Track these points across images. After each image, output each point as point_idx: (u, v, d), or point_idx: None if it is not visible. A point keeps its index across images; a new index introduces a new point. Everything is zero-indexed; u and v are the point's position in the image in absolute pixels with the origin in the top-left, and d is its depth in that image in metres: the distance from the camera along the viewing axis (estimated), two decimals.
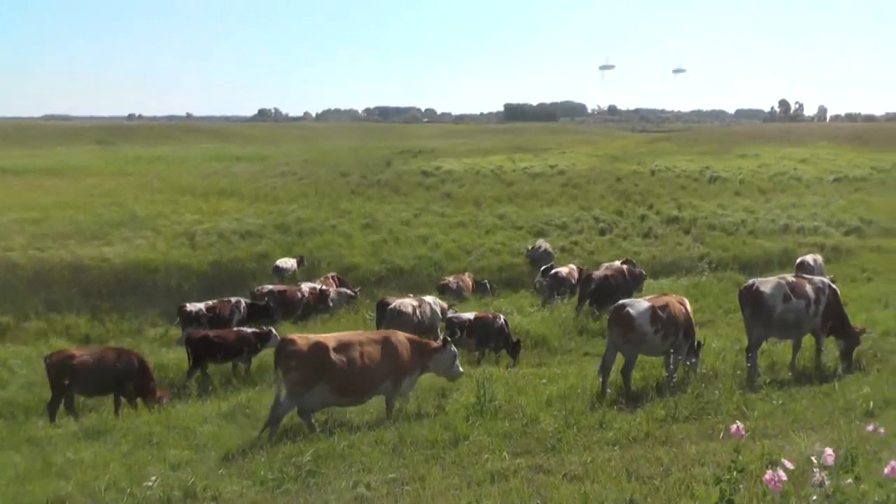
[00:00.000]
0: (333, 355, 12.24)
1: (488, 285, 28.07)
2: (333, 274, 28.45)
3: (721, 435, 9.83)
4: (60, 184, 49.39)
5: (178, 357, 20.28)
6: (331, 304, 25.05)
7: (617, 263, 26.16)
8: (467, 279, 27.17)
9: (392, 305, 19.81)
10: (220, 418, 13.85)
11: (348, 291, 26.57)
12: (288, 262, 30.23)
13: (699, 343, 15.15)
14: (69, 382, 16.07)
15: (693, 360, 14.70)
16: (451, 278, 26.59)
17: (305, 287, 25.59)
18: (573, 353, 20.42)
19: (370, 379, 12.54)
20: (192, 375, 18.78)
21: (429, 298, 20.85)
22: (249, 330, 19.83)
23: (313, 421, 12.34)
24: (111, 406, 16.48)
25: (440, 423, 11.77)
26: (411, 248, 33.20)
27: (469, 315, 19.87)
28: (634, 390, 13.63)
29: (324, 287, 25.84)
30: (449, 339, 13.95)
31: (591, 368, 15.55)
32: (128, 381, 16.39)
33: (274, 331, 19.73)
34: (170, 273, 30.26)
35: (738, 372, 14.08)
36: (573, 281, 25.83)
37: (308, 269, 30.35)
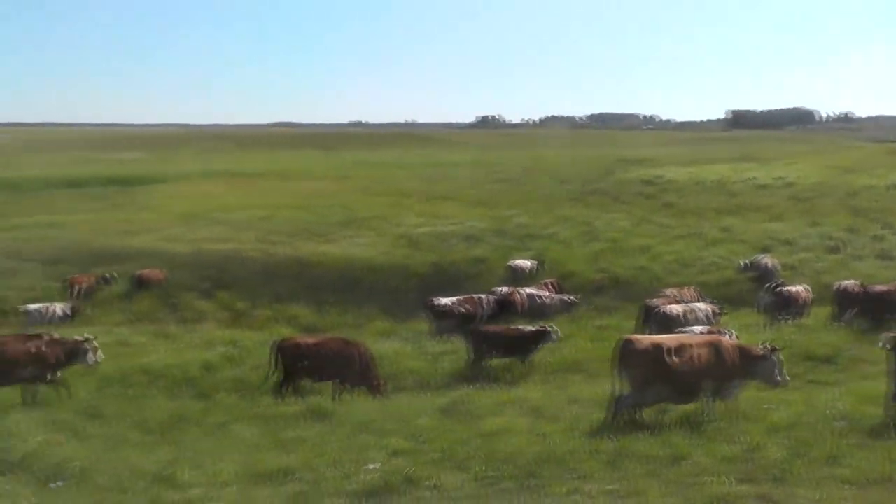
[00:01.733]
0: (672, 356, 12.68)
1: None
2: (552, 280, 28.21)
3: None
4: (286, 186, 52.66)
5: (395, 349, 21.03)
6: (519, 310, 24.96)
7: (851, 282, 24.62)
8: (690, 293, 25.95)
9: (659, 308, 20.48)
10: (439, 412, 14.11)
11: (566, 298, 26.28)
12: (526, 263, 30.53)
13: None
14: (298, 366, 17.07)
15: None
16: (672, 291, 25.63)
17: (525, 291, 25.72)
18: (799, 378, 19.01)
19: (701, 381, 12.84)
20: (476, 367, 19.27)
21: (699, 305, 21.54)
22: (530, 328, 20.31)
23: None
24: (332, 390, 17.16)
25: (659, 439, 11.46)
26: (631, 258, 32.53)
27: (699, 329, 19.33)
28: (872, 425, 12.53)
29: (536, 292, 25.85)
30: (776, 347, 13.78)
31: (820, 396, 14.63)
32: (351, 368, 17.14)
33: (554, 328, 20.19)
34: (390, 272, 31.21)
35: None
36: (801, 301, 24.35)
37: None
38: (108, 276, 29.42)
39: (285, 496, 9.77)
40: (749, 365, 13.33)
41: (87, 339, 17.26)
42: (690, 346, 13.04)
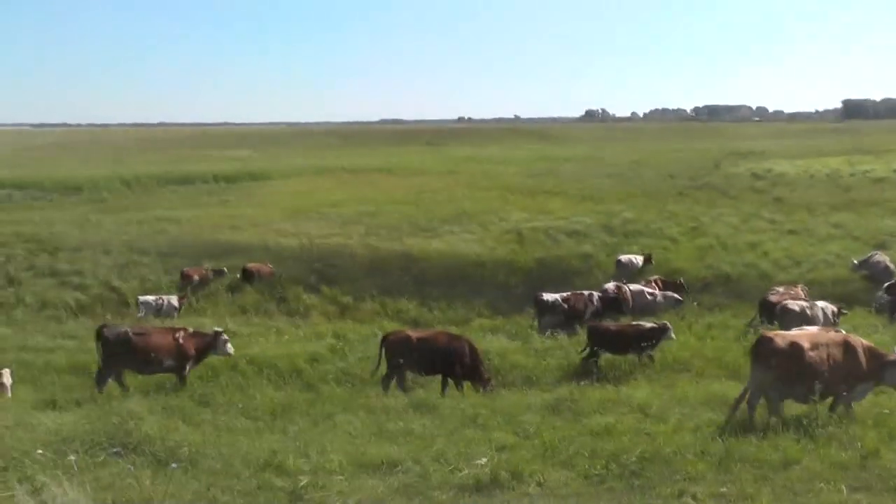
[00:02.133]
0: (808, 355, 12.50)
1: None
2: (657, 277, 27.88)
3: None
4: (393, 181, 53.22)
5: (501, 345, 21.04)
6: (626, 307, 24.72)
7: None
8: (800, 292, 25.13)
9: (780, 303, 20.78)
10: (545, 409, 14.05)
11: (674, 295, 25.93)
12: (635, 259, 30.31)
13: None
14: (404, 360, 17.25)
15: None
16: (781, 288, 24.94)
17: (632, 288, 25.49)
18: None
19: (832, 380, 12.57)
20: (588, 364, 19.17)
21: (820, 303, 21.44)
22: (648, 324, 20.19)
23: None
24: (438, 384, 17.31)
25: (769, 442, 11.13)
26: (739, 254, 31.65)
27: (813, 329, 18.76)
28: None
29: (644, 289, 25.53)
30: None
31: None
32: (458, 363, 17.23)
33: (669, 325, 20.04)
34: (496, 267, 31.13)
35: None
36: None
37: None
38: (221, 269, 30.41)
39: (393, 487, 9.83)
40: (881, 368, 12.86)
41: (219, 332, 18.11)
42: (825, 344, 12.73)
